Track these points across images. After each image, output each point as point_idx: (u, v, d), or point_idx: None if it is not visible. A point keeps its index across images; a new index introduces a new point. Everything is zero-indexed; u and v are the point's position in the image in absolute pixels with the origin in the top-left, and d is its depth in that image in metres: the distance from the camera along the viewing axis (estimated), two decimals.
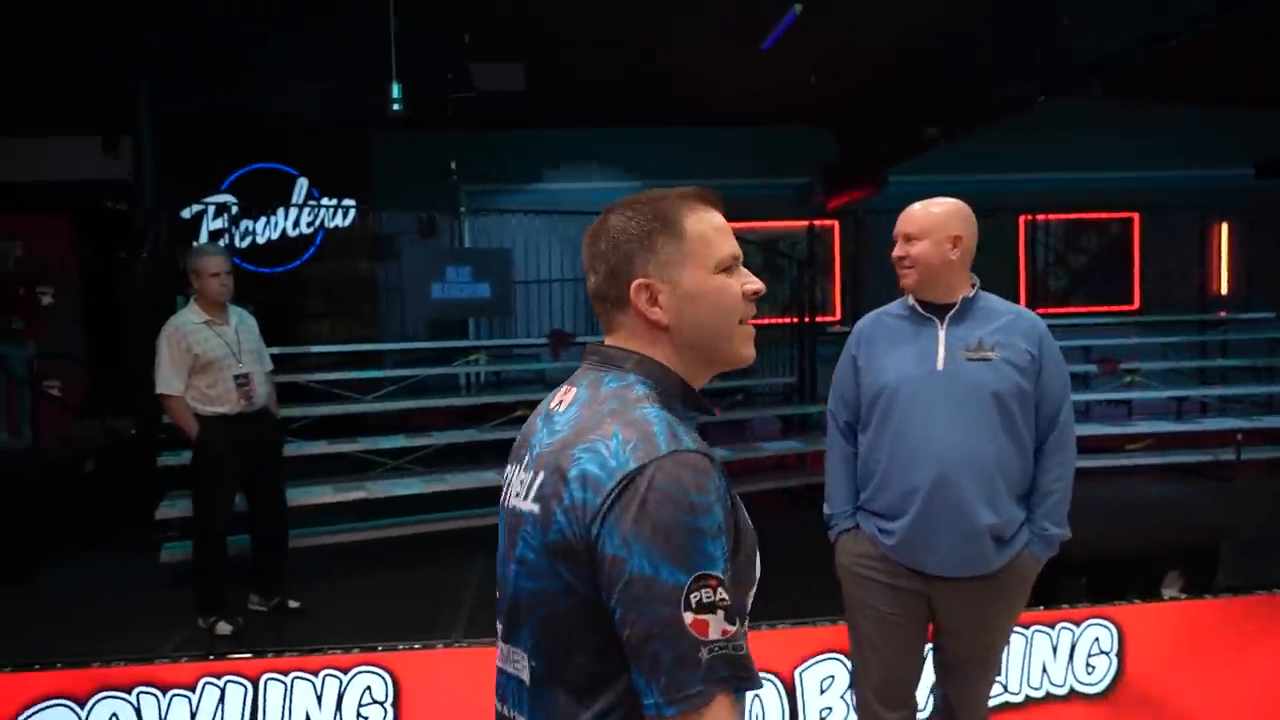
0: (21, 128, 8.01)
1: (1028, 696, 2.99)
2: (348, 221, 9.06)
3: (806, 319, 8.05)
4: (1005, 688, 2.97)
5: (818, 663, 2.88)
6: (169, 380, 4.19)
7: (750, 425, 7.87)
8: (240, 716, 2.71)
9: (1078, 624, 3.02)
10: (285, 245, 9.05)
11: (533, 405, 1.31)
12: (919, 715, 2.45)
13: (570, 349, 7.27)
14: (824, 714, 2.88)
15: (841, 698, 2.85)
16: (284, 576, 4.61)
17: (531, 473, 1.17)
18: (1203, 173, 9.36)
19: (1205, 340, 9.06)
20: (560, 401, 1.21)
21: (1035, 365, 2.23)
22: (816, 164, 8.97)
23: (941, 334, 2.27)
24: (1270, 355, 8.71)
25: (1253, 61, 7.52)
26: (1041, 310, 8.65)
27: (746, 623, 1.18)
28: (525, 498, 1.16)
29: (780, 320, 8.16)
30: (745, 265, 1.25)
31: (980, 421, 2.20)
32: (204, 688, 2.70)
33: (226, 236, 8.25)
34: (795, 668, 2.88)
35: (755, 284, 1.23)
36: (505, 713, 1.22)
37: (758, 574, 1.19)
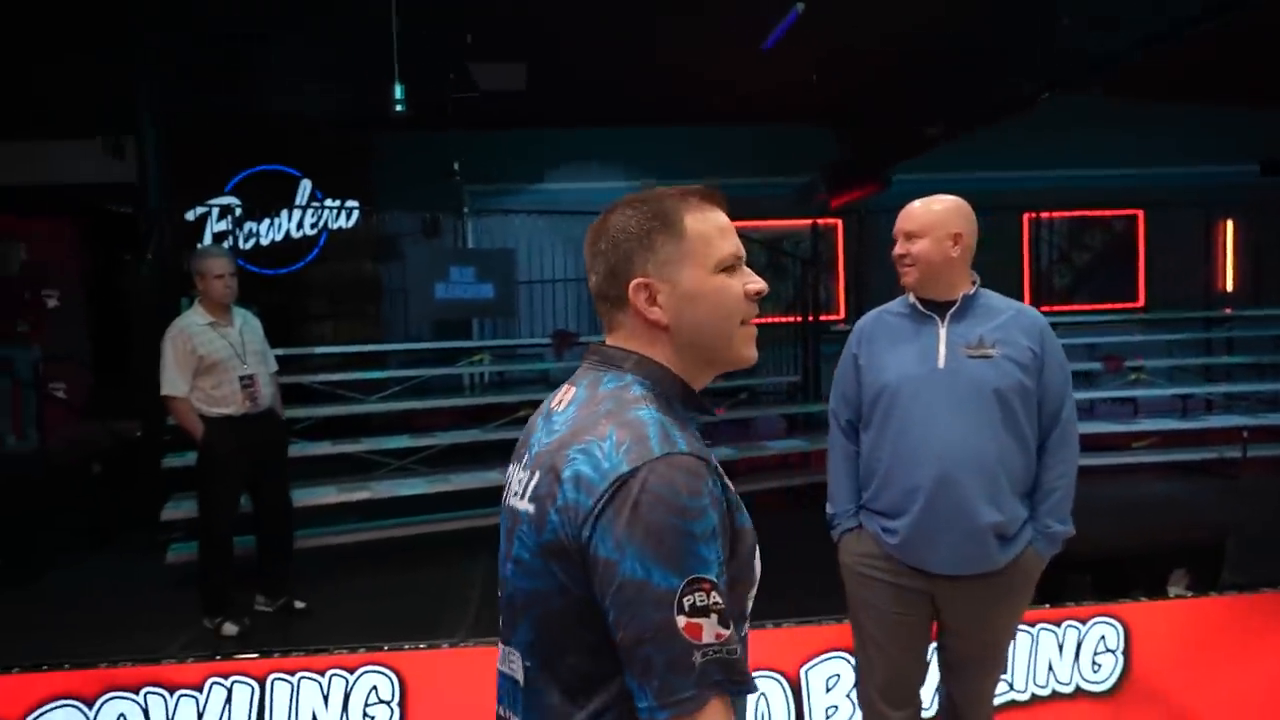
0: (25, 131, 8.03)
1: (1034, 695, 2.99)
2: (351, 223, 9.07)
3: (810, 318, 8.05)
4: (1011, 686, 2.97)
5: (823, 661, 2.88)
6: (174, 382, 4.20)
7: (754, 424, 7.87)
8: (247, 716, 2.72)
9: (1084, 622, 3.02)
10: (289, 247, 9.06)
11: (536, 405, 1.31)
12: (924, 714, 2.45)
13: (574, 349, 7.27)
14: (829, 712, 2.88)
15: (847, 696, 2.85)
16: (289, 577, 4.63)
17: (529, 472, 1.16)
18: (1207, 170, 9.32)
19: (1210, 337, 9.04)
20: (560, 401, 1.21)
21: (1037, 362, 2.23)
22: (819, 163, 8.97)
23: (942, 332, 2.27)
24: (1276, 352, 8.67)
25: (1257, 59, 7.50)
26: (1046, 308, 8.68)
27: (747, 624, 1.18)
28: (522, 497, 1.16)
29: (784, 319, 8.16)
30: (748, 265, 1.24)
31: (982, 419, 2.19)
32: (211, 688, 2.71)
33: (230, 238, 8.27)
34: (801, 666, 2.88)
35: (758, 284, 1.22)
36: (503, 714, 1.22)
37: (758, 575, 1.18)
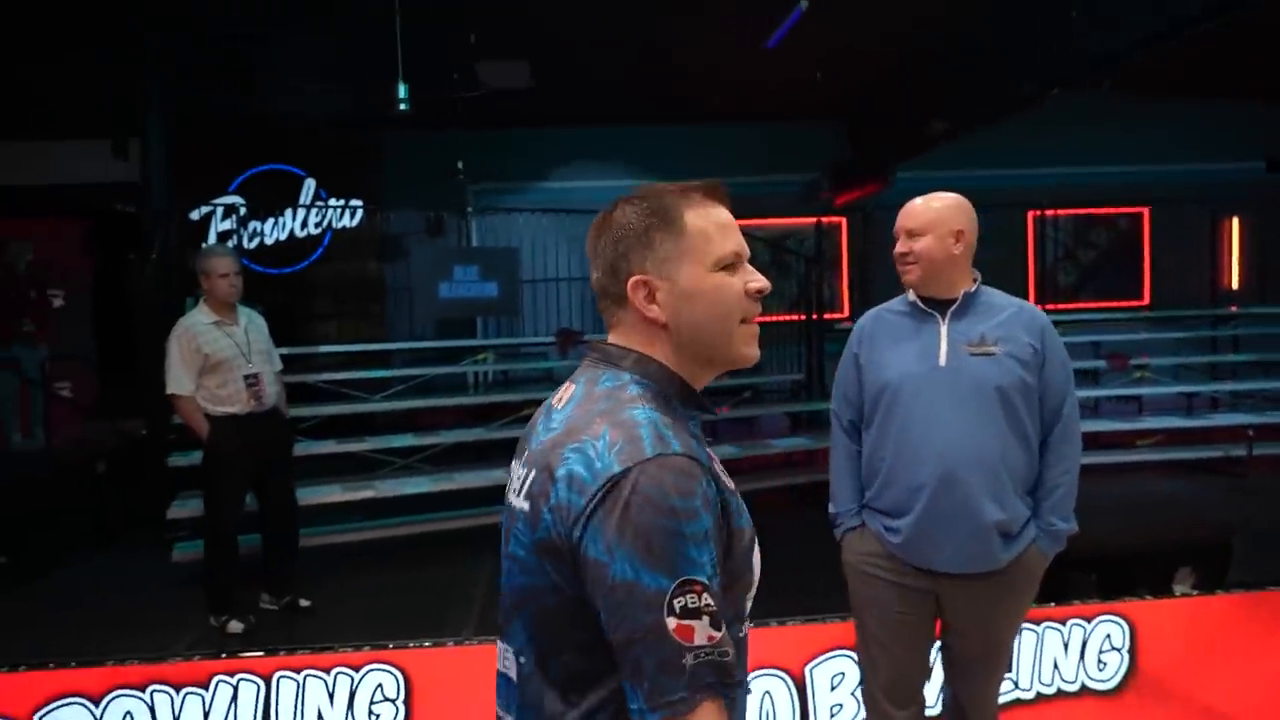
0: (31, 131, 8.06)
1: (1039, 693, 2.99)
2: (355, 222, 9.09)
3: (814, 316, 8.06)
4: (1016, 684, 2.96)
5: (828, 659, 2.88)
6: (179, 380, 4.21)
7: (758, 422, 7.87)
8: (253, 714, 2.72)
9: (1089, 620, 3.01)
10: (293, 246, 9.08)
11: (540, 404, 1.31)
12: (928, 712, 2.45)
13: (578, 348, 7.28)
14: (835, 710, 2.88)
15: (852, 694, 2.85)
16: (294, 575, 4.63)
17: (526, 469, 1.16)
18: (1213, 167, 9.30)
19: (1216, 335, 9.01)
20: (560, 399, 1.21)
21: (1038, 359, 2.22)
22: (824, 161, 8.96)
23: (943, 329, 2.26)
24: None
25: (1263, 55, 7.48)
26: (1051, 306, 8.68)
27: (747, 624, 1.18)
28: (519, 494, 1.16)
29: (788, 317, 8.16)
30: (752, 262, 1.22)
31: (984, 416, 2.18)
32: (217, 686, 2.71)
33: (235, 237, 8.30)
34: (806, 664, 2.87)
35: (759, 282, 1.20)
36: (501, 715, 1.22)
37: (757, 575, 1.18)
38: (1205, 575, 3.71)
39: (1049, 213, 9.29)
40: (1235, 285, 9.79)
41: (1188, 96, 9.01)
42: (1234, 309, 9.22)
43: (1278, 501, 6.38)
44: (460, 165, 8.44)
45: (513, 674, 1.17)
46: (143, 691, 2.69)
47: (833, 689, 2.88)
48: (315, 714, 2.75)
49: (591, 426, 1.10)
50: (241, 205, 8.47)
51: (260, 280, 8.16)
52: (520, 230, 8.33)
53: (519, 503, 1.16)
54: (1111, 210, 9.94)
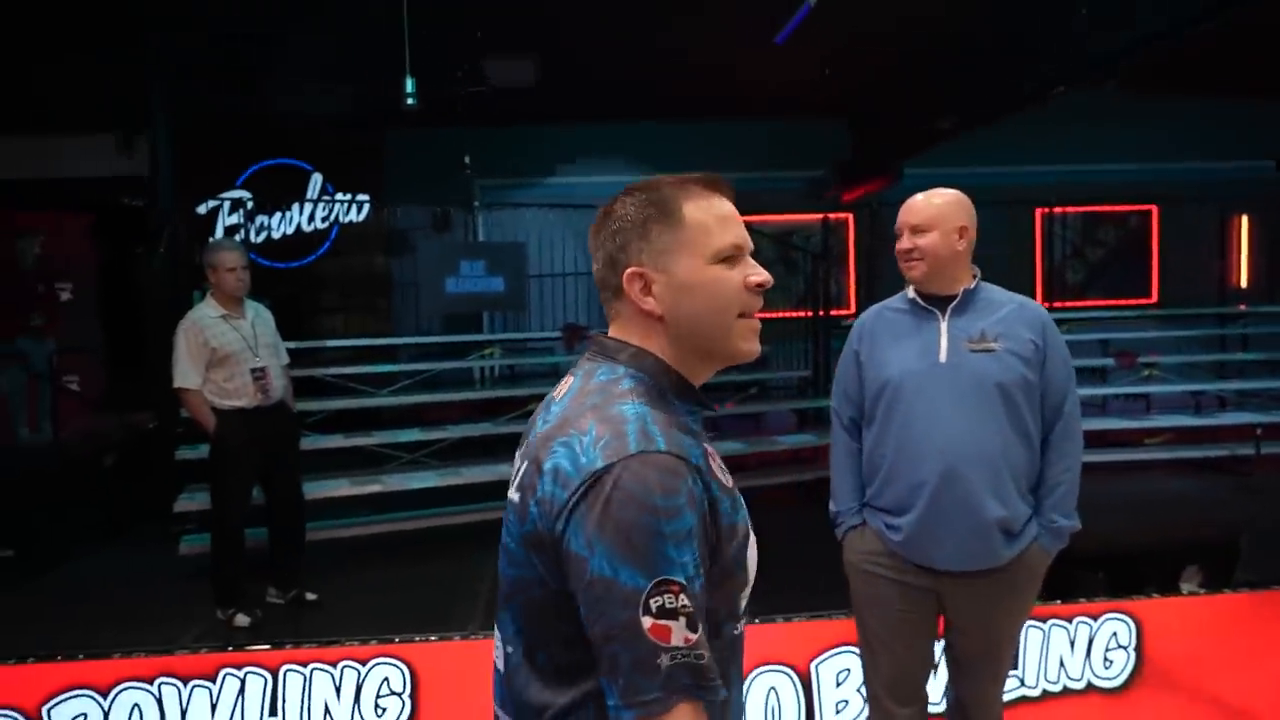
0: (38, 126, 8.08)
1: (1045, 691, 2.98)
2: (362, 216, 9.10)
3: (821, 312, 8.04)
4: (1022, 682, 2.96)
5: (833, 655, 2.88)
6: (186, 374, 4.22)
7: (765, 419, 7.86)
8: (260, 707, 2.73)
9: (1096, 618, 3.00)
10: (300, 240, 9.10)
11: None
12: (932, 709, 2.44)
13: (584, 342, 7.28)
14: (840, 707, 2.88)
15: (857, 690, 2.85)
16: (301, 569, 4.65)
17: (521, 462, 1.17)
18: (1222, 165, 9.25)
19: (1224, 334, 8.97)
20: (559, 392, 1.21)
21: (1039, 355, 2.21)
22: (830, 157, 8.93)
23: (944, 326, 2.25)
24: None
25: (1272, 53, 7.43)
26: (1059, 303, 8.65)
27: (742, 622, 1.17)
28: (513, 486, 1.16)
29: (794, 314, 8.15)
30: (756, 257, 1.20)
31: (985, 413, 2.18)
32: (224, 678, 2.73)
33: (242, 232, 8.31)
34: (811, 660, 2.88)
35: (760, 275, 1.17)
36: (497, 711, 1.22)
37: (752, 573, 1.17)
38: (1212, 574, 3.70)
39: (1057, 210, 9.26)
40: (1244, 284, 9.73)
41: (1196, 95, 8.96)
42: (1242, 307, 9.17)
43: None
44: (467, 160, 8.43)
45: (500, 665, 1.18)
46: (150, 684, 2.70)
47: (838, 685, 2.88)
48: (321, 707, 2.76)
49: (580, 420, 1.09)
50: (248, 199, 8.49)
51: (267, 274, 8.17)
52: (527, 225, 8.33)
53: (512, 495, 1.16)
54: (1120, 208, 9.89)
